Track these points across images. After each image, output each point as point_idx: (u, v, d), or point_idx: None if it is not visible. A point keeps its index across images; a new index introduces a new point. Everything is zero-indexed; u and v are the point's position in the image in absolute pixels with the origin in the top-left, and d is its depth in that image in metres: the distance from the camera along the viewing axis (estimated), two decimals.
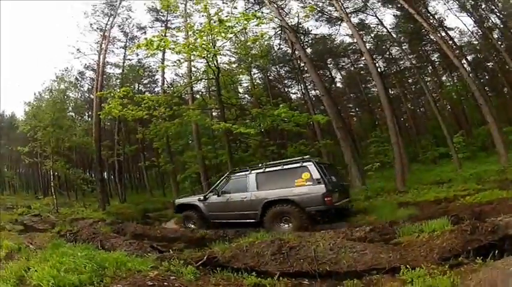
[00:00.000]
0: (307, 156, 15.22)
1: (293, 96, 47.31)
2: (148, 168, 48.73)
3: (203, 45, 20.54)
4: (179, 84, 34.18)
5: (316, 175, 13.20)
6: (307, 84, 39.34)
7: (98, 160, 29.90)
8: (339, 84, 50.04)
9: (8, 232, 15.43)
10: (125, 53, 39.77)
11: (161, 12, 36.73)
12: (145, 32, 39.61)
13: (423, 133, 43.67)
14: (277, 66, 39.00)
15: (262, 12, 25.38)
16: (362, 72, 43.62)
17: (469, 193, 15.39)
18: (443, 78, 44.38)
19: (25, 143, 29.72)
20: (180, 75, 41.49)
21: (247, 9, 29.78)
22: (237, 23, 20.43)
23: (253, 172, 15.04)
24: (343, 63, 44.37)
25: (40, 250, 9.91)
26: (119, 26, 37.53)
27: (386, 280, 6.05)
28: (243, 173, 15.52)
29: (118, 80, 40.75)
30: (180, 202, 17.29)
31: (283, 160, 15.97)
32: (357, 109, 55.46)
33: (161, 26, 37.01)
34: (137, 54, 41.69)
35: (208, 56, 21.51)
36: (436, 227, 7.84)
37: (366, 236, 9.15)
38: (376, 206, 16.13)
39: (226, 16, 20.89)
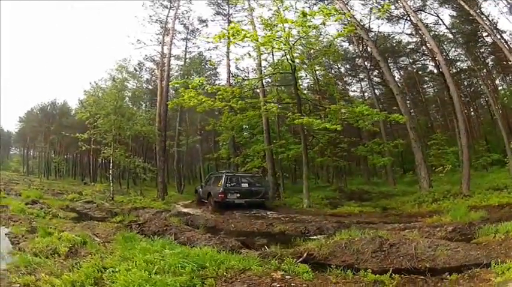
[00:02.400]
0: (226, 170, 27.21)
1: (351, 94, 46.71)
2: (205, 160, 50.01)
3: (283, 39, 20.85)
4: (241, 78, 33.95)
5: (222, 181, 21.13)
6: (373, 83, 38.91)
7: (162, 149, 30.66)
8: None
9: (60, 219, 14.59)
10: (186, 45, 40.31)
11: (222, 6, 36.63)
12: (206, 25, 40.08)
13: (476, 138, 42.44)
14: (337, 64, 38.52)
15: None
16: (420, 72, 42.84)
17: None
18: (497, 82, 43.06)
19: (77, 130, 30.30)
20: (242, 69, 41.70)
21: (310, 6, 29.61)
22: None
23: (211, 175, 25.53)
24: (402, 63, 43.56)
25: (109, 244, 9.54)
26: (179, 18, 37.64)
27: (482, 272, 6.09)
28: (209, 175, 26.57)
29: (179, 72, 41.28)
30: (195, 188, 28.14)
31: (223, 170, 27.81)
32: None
33: (223, 20, 36.66)
34: (198, 47, 42.13)
35: (286, 49, 21.66)
36: (510, 228, 8.50)
37: (448, 236, 9.44)
38: (445, 208, 16.49)
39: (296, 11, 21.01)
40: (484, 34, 32.34)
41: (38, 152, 73.30)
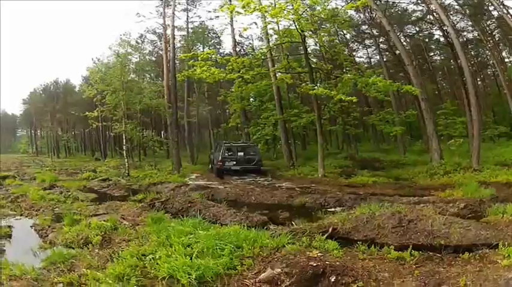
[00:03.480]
0: (224, 141, 28.73)
1: (357, 60, 46.26)
2: (215, 128, 51.53)
3: (293, 10, 20.97)
4: (251, 48, 33.91)
5: (221, 151, 24.65)
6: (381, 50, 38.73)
7: (174, 122, 30.67)
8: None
9: (81, 203, 14.21)
10: (187, 16, 40.09)
11: None
12: None
13: (484, 109, 42.20)
14: (343, 31, 38.29)
15: None
16: (426, 40, 42.38)
17: None
18: (503, 54, 42.56)
19: (82, 107, 30.27)
20: (246, 36, 42.12)
21: None
22: None
23: (218, 143, 29.10)
24: (409, 31, 43.07)
25: (139, 227, 9.49)
26: None
27: (491, 254, 6.27)
28: (216, 143, 30.65)
29: (182, 42, 41.18)
30: (209, 155, 31.90)
31: (224, 140, 30.63)
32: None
33: None
34: (199, 17, 42.01)
35: (296, 19, 21.72)
36: None
37: (459, 213, 9.68)
38: (456, 181, 16.93)
39: None
40: (491, 8, 31.85)
41: (46, 131, 73.85)
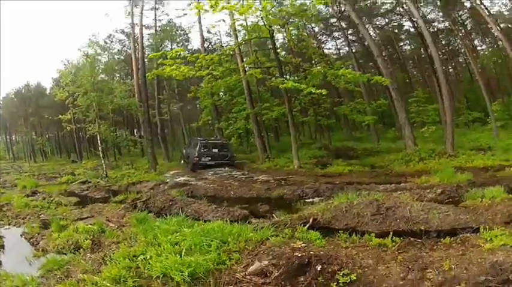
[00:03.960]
0: (199, 138, 30.53)
1: (326, 52, 46.59)
2: (187, 124, 52.09)
3: (260, 6, 21.20)
4: (219, 45, 34.05)
5: (197, 146, 26.32)
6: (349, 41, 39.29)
7: (146, 120, 30.71)
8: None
9: (65, 207, 14.21)
10: (155, 14, 39.59)
11: None
12: None
13: (457, 96, 42.89)
14: (311, 24, 38.49)
15: None
16: (396, 31, 42.93)
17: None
18: (475, 42, 43.32)
19: (54, 110, 29.95)
20: (214, 33, 42.38)
21: None
22: None
23: (191, 140, 32.11)
24: (378, 23, 43.50)
25: (125, 228, 9.61)
26: None
27: (472, 238, 6.40)
28: (190, 140, 33.80)
29: (151, 41, 41.01)
30: (181, 151, 34.54)
31: (199, 137, 32.37)
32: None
33: None
34: (167, 14, 42.00)
35: (263, 15, 21.90)
36: (495, 194, 8.85)
37: (437, 198, 9.98)
38: (432, 168, 17.29)
39: None
40: None
41: (21, 136, 72.15)
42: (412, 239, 6.89)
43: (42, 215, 12.67)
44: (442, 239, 6.57)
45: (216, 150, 26.96)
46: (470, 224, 7.19)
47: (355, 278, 5.39)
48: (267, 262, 5.94)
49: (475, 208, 8.22)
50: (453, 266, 5.23)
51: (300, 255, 5.97)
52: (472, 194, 9.38)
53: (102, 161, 27.55)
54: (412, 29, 36.83)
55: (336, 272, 5.58)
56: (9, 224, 12.10)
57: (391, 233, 6.93)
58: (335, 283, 5.36)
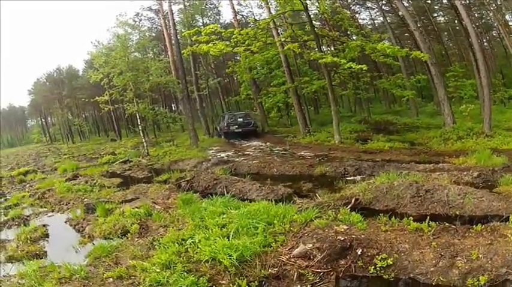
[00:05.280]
0: (227, 112, 37.80)
1: (361, 22, 45.72)
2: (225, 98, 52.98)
3: None
4: (253, 19, 33.85)
5: (226, 118, 31.68)
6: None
7: (186, 97, 31.22)
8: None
9: (109, 189, 14.24)
10: None
11: None
12: None
13: (492, 71, 41.40)
14: None
15: None
16: (429, 1, 41.83)
17: None
18: (507, 17, 41.88)
19: (89, 90, 30.47)
20: (245, 5, 42.03)
21: None
22: None
23: (221, 116, 36.74)
24: None
25: (171, 210, 9.62)
26: None
27: (501, 227, 6.34)
28: (221, 116, 36.78)
29: (181, 16, 40.81)
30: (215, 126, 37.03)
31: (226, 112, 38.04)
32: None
33: None
34: None
35: None
36: None
37: (473, 182, 9.93)
38: (469, 148, 17.11)
39: None
40: None
41: (57, 117, 72.93)
42: (446, 224, 6.92)
43: (86, 199, 12.59)
44: (474, 225, 6.56)
45: (241, 119, 31.41)
46: (501, 212, 7.10)
47: (391, 262, 5.61)
48: (311, 245, 6.19)
49: (507, 195, 8.11)
50: (480, 256, 5.36)
51: (342, 239, 6.22)
52: (505, 180, 9.29)
53: (143, 140, 27.78)
54: (445, 0, 35.63)
55: (374, 256, 5.83)
56: (52, 211, 12.26)
57: (428, 217, 7.00)
58: (373, 267, 5.62)
